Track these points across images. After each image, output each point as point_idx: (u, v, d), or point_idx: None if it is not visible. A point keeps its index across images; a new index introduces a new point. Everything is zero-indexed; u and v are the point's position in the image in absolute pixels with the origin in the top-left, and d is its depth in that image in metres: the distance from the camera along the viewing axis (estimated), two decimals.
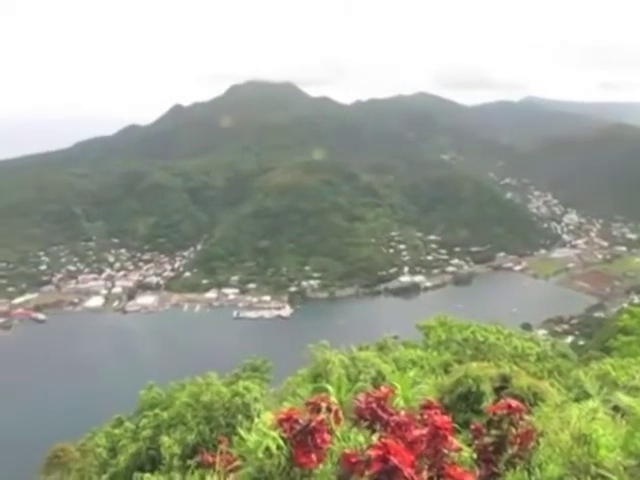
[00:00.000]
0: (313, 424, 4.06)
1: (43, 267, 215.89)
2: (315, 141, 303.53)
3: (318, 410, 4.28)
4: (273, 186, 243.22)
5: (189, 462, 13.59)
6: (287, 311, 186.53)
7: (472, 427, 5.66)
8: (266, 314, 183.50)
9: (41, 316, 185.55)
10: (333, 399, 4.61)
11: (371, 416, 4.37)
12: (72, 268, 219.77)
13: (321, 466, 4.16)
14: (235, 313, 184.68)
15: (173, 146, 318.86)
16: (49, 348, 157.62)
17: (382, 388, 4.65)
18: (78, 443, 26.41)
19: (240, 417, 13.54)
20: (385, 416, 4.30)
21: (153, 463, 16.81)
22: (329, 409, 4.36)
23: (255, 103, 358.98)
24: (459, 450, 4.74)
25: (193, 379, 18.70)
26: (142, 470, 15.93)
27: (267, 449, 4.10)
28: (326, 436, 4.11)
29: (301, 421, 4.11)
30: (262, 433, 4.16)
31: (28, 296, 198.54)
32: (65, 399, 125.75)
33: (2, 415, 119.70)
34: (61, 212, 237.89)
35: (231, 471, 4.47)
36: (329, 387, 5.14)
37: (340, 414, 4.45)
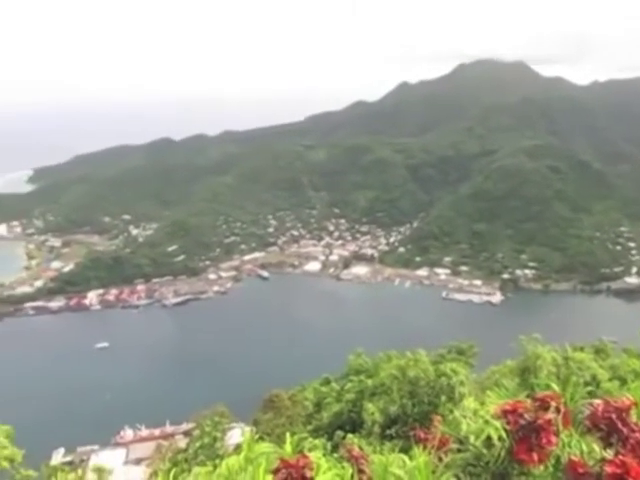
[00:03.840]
0: (540, 422, 3.82)
1: (270, 230, 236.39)
2: (544, 124, 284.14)
3: (545, 408, 3.95)
4: (495, 169, 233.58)
5: (388, 432, 13.88)
6: (497, 298, 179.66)
7: None
8: (475, 298, 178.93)
9: (265, 274, 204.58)
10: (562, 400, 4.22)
11: (607, 427, 3.90)
12: (295, 233, 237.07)
13: (541, 467, 3.88)
14: (444, 293, 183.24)
15: (397, 123, 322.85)
16: (271, 302, 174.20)
17: (624, 399, 4.14)
18: (289, 393, 28.70)
19: (443, 398, 13.37)
20: (625, 431, 3.81)
21: (353, 425, 17.44)
22: (557, 409, 4.01)
23: (482, 82, 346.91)
24: None
25: (401, 352, 18.95)
26: (342, 429, 16.67)
27: (488, 438, 3.92)
28: (552, 437, 3.82)
29: (527, 416, 3.90)
30: (484, 421, 4.01)
31: (256, 254, 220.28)
32: (281, 348, 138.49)
33: (233, 349, 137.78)
34: (290, 180, 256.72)
35: (444, 452, 4.35)
36: (554, 386, 4.71)
37: (569, 417, 4.07)
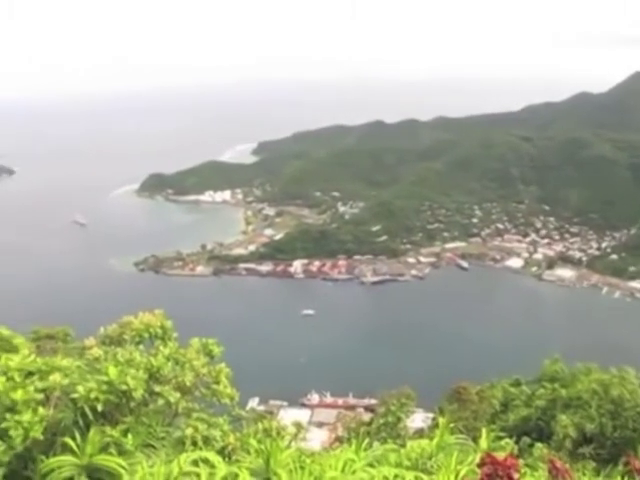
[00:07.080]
0: None
1: (475, 220, 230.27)
2: None
3: None
4: None
5: (581, 449, 13.11)
6: None
7: None
8: None
9: (464, 264, 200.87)
10: None
11: None
12: (500, 226, 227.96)
13: None
14: None
15: (625, 117, 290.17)
16: (468, 293, 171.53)
17: None
18: (477, 387, 28.19)
19: None
20: None
21: (540, 433, 16.75)
22: None
23: None
24: None
25: (603, 367, 17.62)
26: (528, 435, 16.07)
27: None
28: None
29: None
30: None
31: (458, 243, 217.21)
32: (471, 341, 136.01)
33: (424, 334, 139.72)
34: (500, 171, 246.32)
35: None
36: None
37: None
